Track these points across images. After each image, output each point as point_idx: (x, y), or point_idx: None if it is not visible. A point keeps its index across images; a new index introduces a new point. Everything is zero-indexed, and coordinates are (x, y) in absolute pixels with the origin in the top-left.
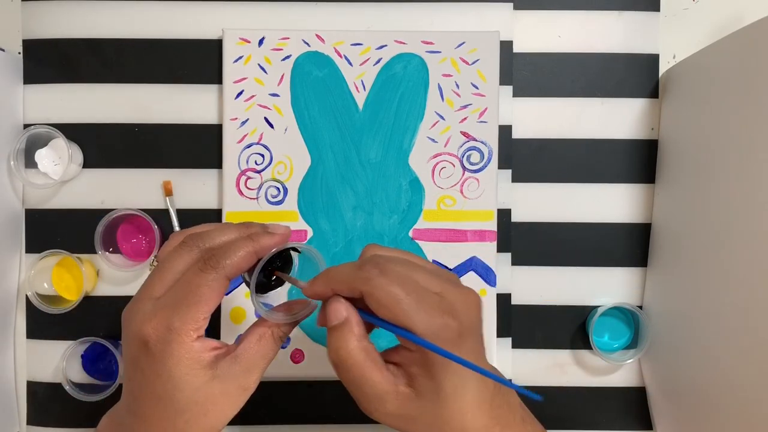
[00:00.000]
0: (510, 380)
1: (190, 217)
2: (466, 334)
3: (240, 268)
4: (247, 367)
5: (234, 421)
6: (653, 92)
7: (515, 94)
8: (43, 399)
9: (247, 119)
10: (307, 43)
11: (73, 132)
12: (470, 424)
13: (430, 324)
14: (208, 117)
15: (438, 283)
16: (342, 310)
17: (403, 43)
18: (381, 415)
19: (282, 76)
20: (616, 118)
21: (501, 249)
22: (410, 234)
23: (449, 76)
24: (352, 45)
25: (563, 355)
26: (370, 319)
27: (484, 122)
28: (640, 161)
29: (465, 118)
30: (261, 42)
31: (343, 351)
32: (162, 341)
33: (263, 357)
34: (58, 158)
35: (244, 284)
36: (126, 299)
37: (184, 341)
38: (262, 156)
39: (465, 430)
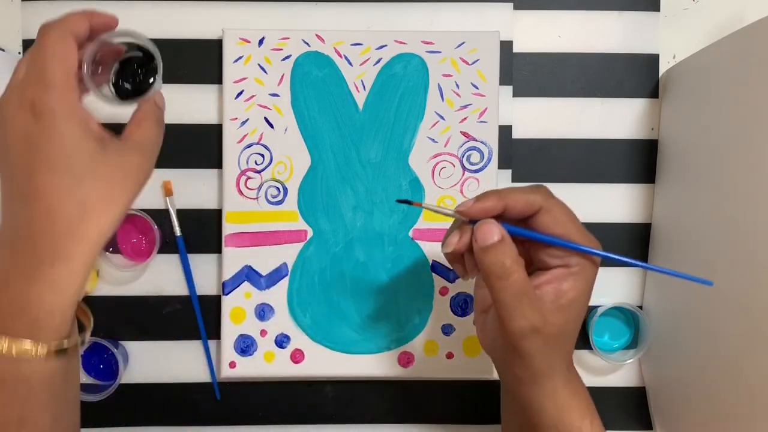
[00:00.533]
0: None
1: (190, 217)
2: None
3: (77, 23)
4: (134, 148)
5: (234, 421)
6: (653, 92)
7: (515, 94)
8: None
9: (247, 119)
10: (307, 43)
11: None
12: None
13: (591, 241)
14: (208, 117)
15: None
16: (497, 230)
17: (403, 43)
18: (531, 332)
19: (282, 76)
20: (616, 118)
21: None
22: (410, 234)
23: (449, 76)
24: (352, 45)
25: None
26: (539, 237)
27: (484, 122)
28: (640, 161)
29: (465, 118)
30: (261, 42)
31: (507, 264)
32: (47, 99)
33: (148, 138)
34: None
35: (244, 284)
36: (126, 299)
37: (68, 96)
38: (262, 156)
39: (568, 335)
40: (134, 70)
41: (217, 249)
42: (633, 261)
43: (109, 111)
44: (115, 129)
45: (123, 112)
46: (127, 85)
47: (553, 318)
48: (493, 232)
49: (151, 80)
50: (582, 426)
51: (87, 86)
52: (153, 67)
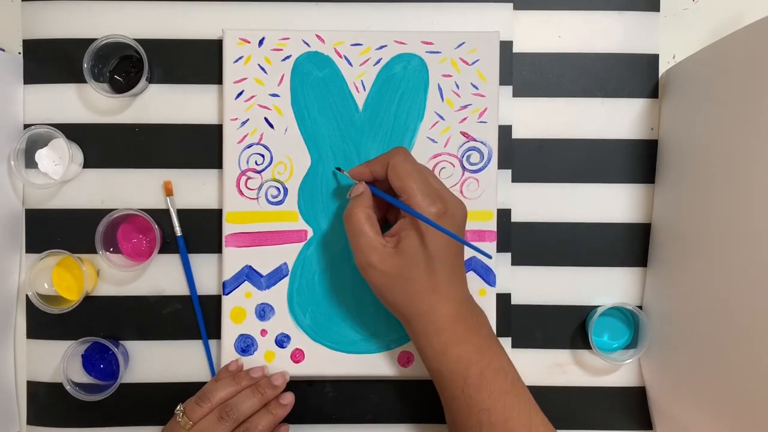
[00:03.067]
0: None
1: (191, 217)
2: (446, 218)
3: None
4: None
5: None
6: (653, 92)
7: (515, 94)
8: (43, 399)
9: (247, 119)
10: (307, 44)
11: (73, 132)
12: (444, 295)
13: (425, 200)
14: (208, 117)
15: (440, 184)
16: (361, 187)
17: (403, 44)
18: (367, 265)
19: (282, 76)
20: (616, 118)
21: (501, 249)
22: None
23: (449, 76)
24: (352, 45)
25: (563, 355)
26: (379, 193)
27: (484, 122)
28: (640, 161)
29: (465, 119)
30: (261, 42)
31: (354, 210)
32: None
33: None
34: (58, 158)
35: (244, 284)
36: (126, 299)
37: None
38: (263, 156)
39: (435, 301)
40: (129, 68)
41: (217, 249)
42: (438, 226)
43: (107, 103)
44: (113, 126)
45: (119, 105)
46: (120, 79)
47: (390, 259)
48: (358, 188)
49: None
50: (467, 374)
51: (87, 80)
52: (142, 66)
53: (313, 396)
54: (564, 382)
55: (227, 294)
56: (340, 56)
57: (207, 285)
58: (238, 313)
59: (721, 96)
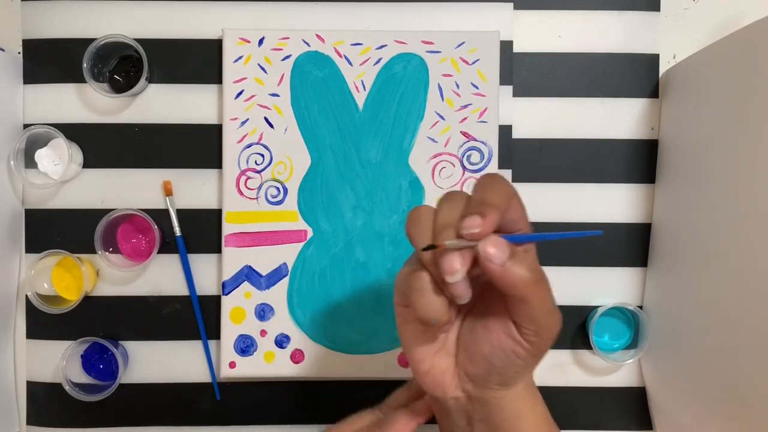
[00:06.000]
0: None
1: (190, 217)
2: None
3: None
4: None
5: (234, 421)
6: (653, 92)
7: (515, 94)
8: (43, 399)
9: (247, 119)
10: (307, 43)
11: (73, 132)
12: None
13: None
14: (208, 117)
15: None
16: (505, 242)
17: (403, 43)
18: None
19: (282, 76)
20: (616, 118)
21: None
22: None
23: (449, 76)
24: (352, 45)
25: (563, 355)
26: (522, 238)
27: (484, 122)
28: (640, 161)
29: (465, 118)
30: (261, 42)
31: (528, 262)
32: None
33: None
34: (58, 158)
35: (244, 284)
36: (126, 299)
37: None
38: (262, 156)
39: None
40: (128, 68)
41: (217, 249)
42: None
43: (107, 103)
44: (113, 126)
45: (119, 105)
46: (119, 79)
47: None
48: (505, 244)
49: (140, 77)
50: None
51: (86, 79)
52: (142, 66)
53: (313, 396)
54: (564, 383)
55: (227, 294)
56: (340, 56)
57: (206, 285)
58: (237, 314)
59: (721, 96)
